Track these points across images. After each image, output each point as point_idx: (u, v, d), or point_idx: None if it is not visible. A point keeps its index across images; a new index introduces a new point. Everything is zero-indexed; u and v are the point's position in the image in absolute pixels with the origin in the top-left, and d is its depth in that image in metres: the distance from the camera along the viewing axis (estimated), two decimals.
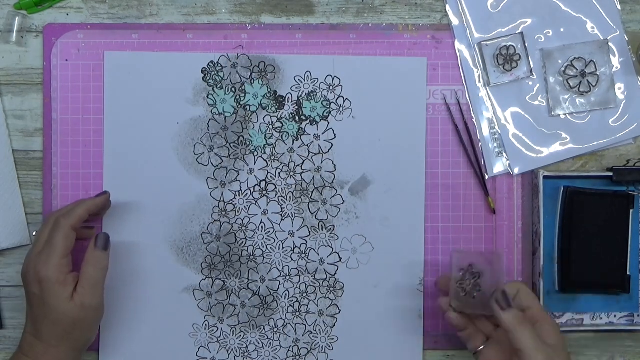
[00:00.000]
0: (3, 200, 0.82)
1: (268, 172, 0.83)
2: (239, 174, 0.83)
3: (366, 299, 0.83)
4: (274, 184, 0.83)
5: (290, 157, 0.83)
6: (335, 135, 0.83)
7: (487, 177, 0.83)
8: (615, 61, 0.83)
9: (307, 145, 0.83)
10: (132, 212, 0.82)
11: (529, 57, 0.82)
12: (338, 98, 0.83)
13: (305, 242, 0.83)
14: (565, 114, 0.83)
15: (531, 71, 0.83)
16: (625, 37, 0.83)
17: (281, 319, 0.83)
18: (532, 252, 0.83)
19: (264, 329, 0.83)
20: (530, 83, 0.83)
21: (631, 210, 0.81)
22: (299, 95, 0.83)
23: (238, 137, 0.83)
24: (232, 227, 0.83)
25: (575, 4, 0.83)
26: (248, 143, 0.83)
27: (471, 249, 0.83)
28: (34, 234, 0.83)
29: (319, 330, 0.83)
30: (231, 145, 0.83)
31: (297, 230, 0.83)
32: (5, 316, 0.84)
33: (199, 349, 0.83)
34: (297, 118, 0.83)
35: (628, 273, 0.81)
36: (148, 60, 0.82)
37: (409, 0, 0.84)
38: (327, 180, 0.83)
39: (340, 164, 0.83)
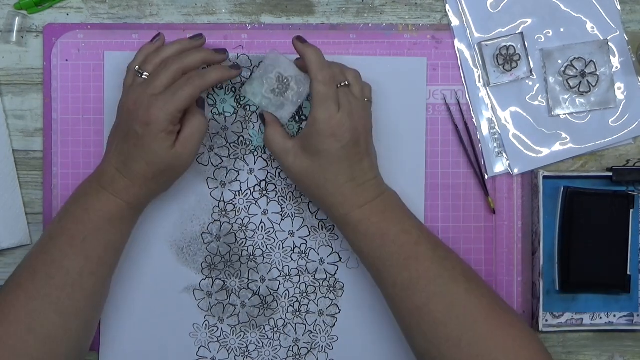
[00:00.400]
0: (3, 200, 0.82)
1: (268, 172, 0.83)
2: (239, 174, 0.83)
3: (366, 299, 0.83)
4: (274, 184, 0.83)
5: None
6: None
7: (487, 177, 0.83)
8: (615, 61, 0.83)
9: None
10: None
11: (529, 57, 0.83)
12: None
13: (305, 242, 0.83)
14: (565, 114, 0.83)
15: (531, 71, 0.83)
16: (625, 37, 0.83)
17: (281, 318, 0.83)
18: (532, 252, 0.83)
19: (264, 328, 0.83)
20: (530, 83, 0.83)
21: (631, 210, 0.81)
22: None
23: (238, 137, 0.83)
24: (232, 227, 0.83)
25: (575, 4, 0.83)
26: (248, 143, 0.83)
27: (471, 249, 0.83)
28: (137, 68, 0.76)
29: (319, 330, 0.83)
30: (231, 145, 0.83)
31: (297, 230, 0.83)
32: None
33: (199, 348, 0.83)
34: (297, 118, 0.83)
35: (628, 273, 0.81)
36: None
37: (409, 0, 0.84)
38: None
39: None
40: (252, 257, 0.83)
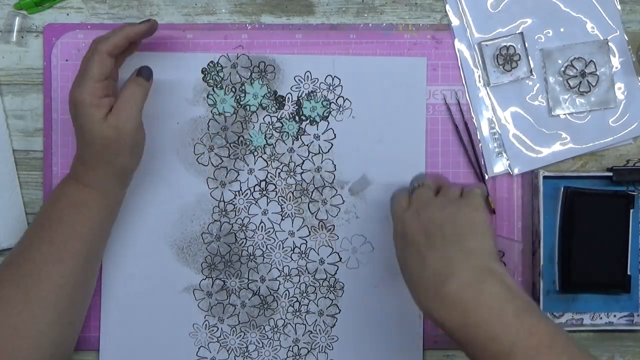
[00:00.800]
0: (3, 200, 0.82)
1: (268, 172, 0.83)
2: (239, 174, 0.83)
3: (366, 299, 0.83)
4: (274, 184, 0.83)
5: (290, 157, 0.83)
6: (335, 135, 0.83)
7: (487, 177, 0.83)
8: (615, 61, 0.83)
9: (307, 145, 0.83)
10: (132, 212, 0.82)
11: (529, 57, 0.83)
12: (338, 98, 0.83)
13: (305, 242, 0.83)
14: (565, 114, 0.83)
15: (531, 71, 0.83)
16: (625, 37, 0.83)
17: (281, 318, 0.83)
18: (532, 252, 0.83)
19: (264, 328, 0.83)
20: (530, 83, 0.83)
21: (631, 210, 0.81)
22: (299, 95, 0.83)
23: (238, 137, 0.83)
24: (232, 227, 0.83)
25: (575, 4, 0.83)
26: (248, 143, 0.83)
27: None
28: None
29: (319, 330, 0.83)
30: (231, 145, 0.83)
31: (297, 230, 0.83)
32: None
33: (199, 348, 0.83)
34: (297, 118, 0.83)
35: (628, 273, 0.81)
36: (148, 60, 0.82)
37: (409, 0, 0.84)
38: (327, 180, 0.83)
39: (340, 164, 0.83)
40: (252, 257, 0.83)
